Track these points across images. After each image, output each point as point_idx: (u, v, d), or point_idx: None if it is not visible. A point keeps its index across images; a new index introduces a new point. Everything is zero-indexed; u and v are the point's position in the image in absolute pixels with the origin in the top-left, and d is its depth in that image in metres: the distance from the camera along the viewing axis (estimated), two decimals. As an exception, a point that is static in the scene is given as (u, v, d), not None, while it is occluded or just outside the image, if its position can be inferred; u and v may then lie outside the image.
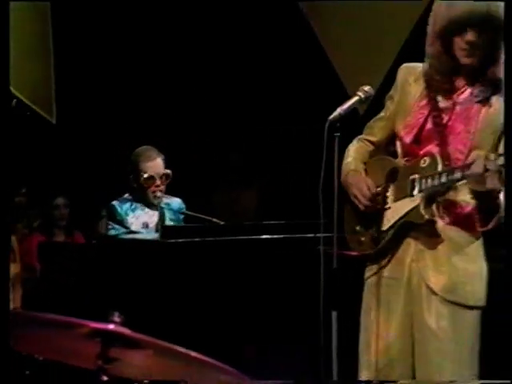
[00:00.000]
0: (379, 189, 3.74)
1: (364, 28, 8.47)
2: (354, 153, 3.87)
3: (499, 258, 3.85)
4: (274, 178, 8.57)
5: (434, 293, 3.63)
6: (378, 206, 3.71)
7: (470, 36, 3.55)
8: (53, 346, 2.57)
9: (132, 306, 2.77)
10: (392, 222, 3.70)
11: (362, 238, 3.77)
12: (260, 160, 8.65)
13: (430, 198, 3.61)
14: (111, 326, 2.41)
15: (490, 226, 3.50)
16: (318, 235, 3.90)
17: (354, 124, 3.77)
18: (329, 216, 3.66)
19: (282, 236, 4.99)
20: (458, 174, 3.47)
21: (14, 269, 7.61)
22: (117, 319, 2.44)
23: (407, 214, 3.65)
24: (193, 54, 8.87)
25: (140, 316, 2.70)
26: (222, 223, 5.94)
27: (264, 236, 5.10)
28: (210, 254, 5.12)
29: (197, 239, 5.24)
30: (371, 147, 3.88)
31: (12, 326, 2.61)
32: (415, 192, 3.63)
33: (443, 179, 3.53)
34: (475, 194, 3.47)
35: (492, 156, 3.37)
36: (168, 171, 5.82)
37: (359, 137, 3.92)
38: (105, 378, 2.49)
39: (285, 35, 8.71)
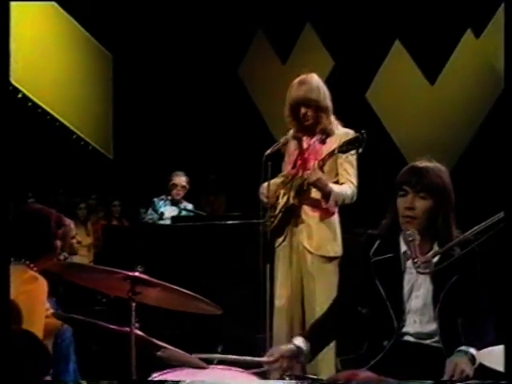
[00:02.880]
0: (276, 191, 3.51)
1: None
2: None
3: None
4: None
5: (309, 252, 3.41)
6: (272, 200, 3.47)
7: (303, 110, 3.42)
8: (104, 284, 2.34)
9: (150, 262, 2.45)
10: (280, 208, 3.48)
11: (267, 223, 3.48)
12: (228, 179, 7.94)
13: (297, 192, 3.42)
14: (136, 273, 2.18)
15: (328, 202, 3.33)
16: (259, 221, 3.58)
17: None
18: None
19: (239, 221, 4.69)
20: (304, 177, 3.35)
21: (89, 239, 7.29)
22: (140, 269, 2.21)
23: (287, 201, 3.45)
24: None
25: (155, 267, 2.37)
26: (205, 214, 5.86)
27: (229, 222, 4.82)
28: (198, 232, 4.84)
29: (191, 223, 5.08)
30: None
31: (83, 274, 2.37)
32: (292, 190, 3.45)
33: (299, 181, 3.39)
34: (313, 185, 3.33)
35: (316, 164, 3.29)
36: (186, 184, 5.58)
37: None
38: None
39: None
